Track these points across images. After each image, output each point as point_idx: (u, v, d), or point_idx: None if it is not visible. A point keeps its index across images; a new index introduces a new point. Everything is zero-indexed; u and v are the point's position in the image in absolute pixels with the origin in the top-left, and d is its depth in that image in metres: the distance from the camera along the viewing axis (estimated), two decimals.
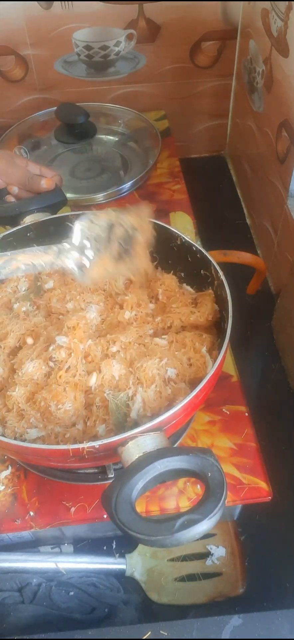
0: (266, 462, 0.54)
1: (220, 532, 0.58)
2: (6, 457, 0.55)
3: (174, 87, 0.98)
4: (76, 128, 0.87)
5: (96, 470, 0.53)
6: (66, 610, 0.51)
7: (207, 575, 0.55)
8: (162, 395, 0.47)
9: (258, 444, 0.55)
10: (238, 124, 0.99)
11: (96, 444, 0.40)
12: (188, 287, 0.59)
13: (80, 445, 0.40)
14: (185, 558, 0.56)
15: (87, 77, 0.96)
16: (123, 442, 0.40)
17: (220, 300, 0.55)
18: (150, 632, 0.42)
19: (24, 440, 0.46)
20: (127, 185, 0.82)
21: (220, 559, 0.56)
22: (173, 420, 0.43)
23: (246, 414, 0.58)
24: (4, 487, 0.53)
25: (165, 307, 0.56)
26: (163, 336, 0.53)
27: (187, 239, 0.58)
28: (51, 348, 0.50)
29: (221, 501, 0.35)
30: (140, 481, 0.37)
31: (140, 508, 0.51)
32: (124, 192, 0.82)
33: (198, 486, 0.52)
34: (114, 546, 0.58)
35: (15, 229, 0.60)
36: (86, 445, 0.40)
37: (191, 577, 0.55)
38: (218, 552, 0.56)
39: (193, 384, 0.49)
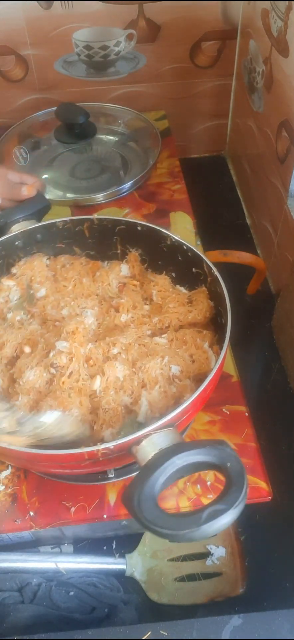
0: (266, 462, 0.54)
1: (220, 532, 0.57)
2: None
3: (174, 87, 0.98)
4: (76, 128, 0.87)
5: (90, 472, 0.53)
6: (66, 610, 0.51)
7: (207, 575, 0.55)
8: (168, 394, 0.48)
9: (258, 444, 0.55)
10: (238, 124, 0.99)
11: (111, 444, 0.40)
12: (181, 288, 0.59)
13: (95, 448, 0.40)
14: (185, 558, 0.56)
15: (87, 77, 0.96)
16: (138, 441, 0.40)
17: (214, 296, 0.55)
18: (150, 632, 0.42)
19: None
20: (127, 185, 0.82)
21: (220, 559, 0.56)
22: (184, 415, 0.43)
23: (246, 414, 0.58)
24: (4, 487, 0.53)
25: (161, 307, 0.57)
26: (162, 335, 0.54)
27: (177, 238, 0.58)
28: (52, 354, 0.50)
29: (244, 490, 0.35)
30: (160, 477, 0.37)
31: None
32: (124, 192, 0.82)
33: (198, 486, 0.52)
34: (114, 546, 0.58)
35: (3, 238, 0.60)
36: (101, 447, 0.40)
37: (191, 577, 0.55)
38: (218, 552, 0.56)
39: (197, 380, 0.50)
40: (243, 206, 0.98)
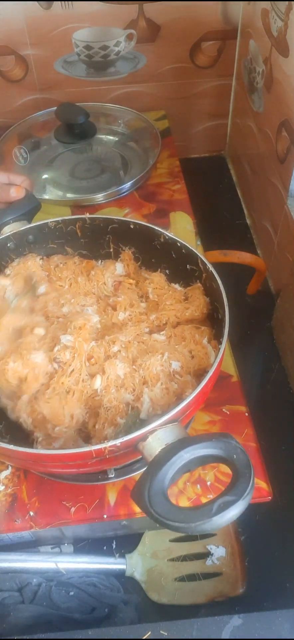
0: (266, 462, 0.54)
1: (220, 532, 0.58)
2: None
3: (174, 87, 0.98)
4: (76, 128, 0.87)
5: (94, 471, 0.53)
6: (66, 610, 0.51)
7: (207, 575, 0.55)
8: (169, 391, 0.48)
9: (258, 444, 0.55)
10: (238, 124, 0.99)
11: (118, 441, 0.40)
12: (176, 286, 0.59)
13: (102, 445, 0.40)
14: (185, 558, 0.56)
15: (87, 77, 0.96)
16: (143, 437, 0.40)
17: (210, 291, 0.55)
18: (150, 632, 0.42)
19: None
20: (127, 185, 0.82)
21: (220, 559, 0.56)
22: (188, 410, 0.44)
23: (246, 414, 0.58)
24: (4, 487, 0.53)
25: (157, 305, 0.57)
26: (160, 332, 0.54)
27: (170, 235, 0.58)
28: (56, 349, 0.50)
29: (251, 481, 0.36)
30: (169, 471, 0.37)
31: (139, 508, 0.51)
32: (124, 192, 0.82)
33: (198, 486, 0.52)
34: (114, 546, 0.58)
35: None
36: (108, 444, 0.40)
37: (191, 577, 0.55)
38: (218, 552, 0.56)
39: (197, 375, 0.50)
40: (243, 206, 0.98)
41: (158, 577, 0.55)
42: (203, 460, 0.39)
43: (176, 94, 0.99)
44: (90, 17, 0.88)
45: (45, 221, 0.61)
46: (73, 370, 0.49)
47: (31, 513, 0.51)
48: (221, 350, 0.47)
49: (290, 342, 0.69)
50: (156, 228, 0.59)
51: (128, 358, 0.50)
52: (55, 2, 0.85)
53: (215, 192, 1.01)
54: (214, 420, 0.57)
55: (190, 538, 0.57)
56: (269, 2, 0.72)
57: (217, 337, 0.53)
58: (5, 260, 0.61)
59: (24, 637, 0.45)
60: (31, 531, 0.51)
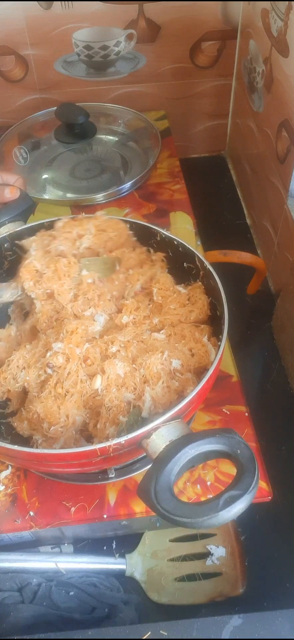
0: (266, 462, 0.54)
1: (220, 532, 0.58)
2: None
3: (174, 87, 0.98)
4: (76, 128, 0.87)
5: (97, 470, 0.53)
6: (66, 610, 0.51)
7: (207, 575, 0.55)
8: (171, 389, 0.48)
9: (258, 444, 0.55)
10: (238, 124, 0.99)
11: (122, 439, 0.40)
12: (181, 288, 0.59)
13: (107, 444, 0.40)
14: (185, 558, 0.56)
15: (87, 77, 0.96)
16: (147, 435, 0.40)
17: (208, 289, 0.55)
18: (150, 632, 0.42)
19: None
20: (127, 185, 0.82)
21: (220, 559, 0.56)
22: (190, 407, 0.44)
23: (246, 414, 0.58)
24: (4, 487, 0.53)
25: (161, 307, 0.56)
26: (160, 331, 0.54)
27: (167, 233, 0.58)
28: (48, 354, 0.50)
29: (256, 475, 0.36)
30: (174, 467, 0.37)
31: (139, 508, 0.51)
32: (124, 192, 0.82)
33: (198, 486, 0.52)
34: (114, 546, 0.58)
35: None
36: (112, 442, 0.40)
37: (191, 577, 0.55)
38: (218, 552, 0.56)
39: (197, 373, 0.50)
40: (243, 206, 0.98)
41: (158, 577, 0.55)
42: (207, 456, 0.39)
43: (176, 94, 0.99)
44: (90, 17, 0.88)
45: (41, 221, 0.61)
46: (69, 372, 0.49)
47: (31, 513, 0.51)
48: (222, 346, 0.47)
49: (290, 342, 0.69)
50: (153, 226, 0.59)
51: (127, 357, 0.50)
52: (55, 2, 0.85)
53: (215, 192, 1.01)
54: (214, 420, 0.57)
55: (190, 538, 0.57)
56: (269, 2, 0.72)
57: (216, 334, 0.53)
58: (2, 261, 0.61)
59: (24, 637, 0.45)
60: (31, 531, 0.51)
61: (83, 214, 0.62)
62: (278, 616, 0.43)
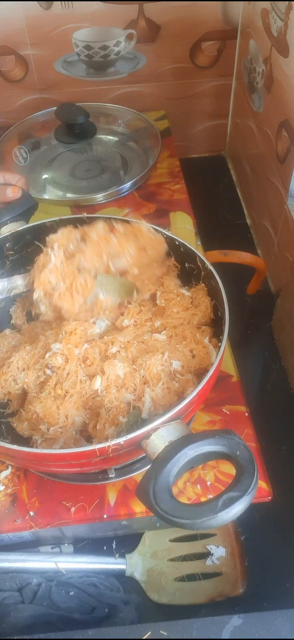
0: (266, 462, 0.54)
1: (220, 532, 0.58)
2: None
3: (174, 87, 0.98)
4: (76, 128, 0.87)
5: (97, 470, 0.53)
6: (66, 610, 0.51)
7: (207, 575, 0.55)
8: (171, 390, 0.48)
9: (258, 444, 0.55)
10: (238, 124, 0.99)
11: (121, 440, 0.40)
12: (184, 291, 0.58)
13: (106, 444, 0.40)
14: (185, 558, 0.56)
15: (87, 77, 0.96)
16: (147, 435, 0.40)
17: (209, 289, 0.55)
18: (150, 632, 0.42)
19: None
20: (127, 185, 0.82)
21: (220, 559, 0.56)
22: (190, 408, 0.44)
23: (246, 414, 0.58)
24: (4, 487, 0.53)
25: (164, 310, 0.56)
26: (161, 332, 0.54)
27: (168, 234, 0.58)
28: (47, 355, 0.50)
29: (255, 476, 0.36)
30: (173, 468, 0.37)
31: (139, 508, 0.51)
32: (124, 192, 0.82)
33: (198, 486, 0.52)
34: (114, 546, 0.58)
35: None
36: (112, 443, 0.40)
37: (191, 577, 0.55)
38: (218, 552, 0.56)
39: (198, 374, 0.50)
40: (243, 206, 0.98)
41: (158, 577, 0.55)
42: (207, 457, 0.39)
43: (176, 94, 0.99)
44: (90, 17, 0.88)
45: (43, 221, 0.61)
46: (68, 373, 0.49)
47: (31, 513, 0.51)
48: (222, 348, 0.47)
49: (290, 342, 0.69)
50: (154, 227, 0.59)
51: (127, 358, 0.50)
52: (55, 2, 0.85)
53: (215, 192, 1.01)
54: (214, 420, 0.57)
55: (190, 538, 0.57)
56: (269, 2, 0.72)
57: (217, 335, 0.53)
58: (4, 261, 0.61)
59: (24, 637, 0.45)
60: (31, 531, 0.51)
61: (85, 213, 0.62)
62: (278, 616, 0.43)
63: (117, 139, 0.94)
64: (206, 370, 0.46)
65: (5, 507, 0.52)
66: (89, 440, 0.49)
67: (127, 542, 0.58)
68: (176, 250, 0.58)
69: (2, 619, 0.49)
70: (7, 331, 0.61)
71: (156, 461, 0.39)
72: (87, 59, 0.94)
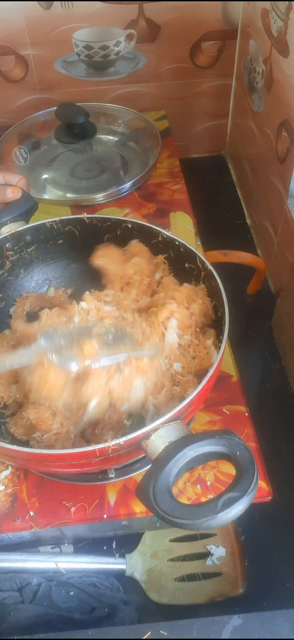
0: (266, 462, 0.54)
1: (220, 532, 0.58)
2: None
3: (174, 87, 0.98)
4: (76, 128, 0.87)
5: (97, 470, 0.53)
6: (66, 610, 0.51)
7: (207, 575, 0.55)
8: (174, 397, 0.48)
9: (258, 444, 0.55)
10: (238, 124, 0.99)
11: (121, 440, 0.40)
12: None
13: (106, 444, 0.40)
14: (185, 558, 0.56)
15: (87, 77, 0.96)
16: (147, 435, 0.40)
17: (209, 290, 0.55)
18: (150, 632, 0.42)
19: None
20: (127, 185, 0.82)
21: (220, 559, 0.56)
22: (190, 408, 0.44)
23: (246, 414, 0.58)
24: (4, 487, 0.53)
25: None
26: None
27: (168, 234, 0.58)
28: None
29: (255, 477, 0.36)
30: (173, 468, 0.37)
31: (139, 508, 0.51)
32: (124, 192, 0.82)
33: (198, 486, 0.52)
34: (114, 546, 0.58)
35: None
36: (112, 443, 0.40)
37: (191, 577, 0.55)
38: (218, 552, 0.56)
39: (198, 375, 0.50)
40: (243, 206, 0.98)
41: (158, 577, 0.55)
42: (207, 457, 0.39)
43: (176, 94, 0.99)
44: (90, 17, 0.88)
45: (43, 221, 0.61)
46: None
47: (31, 513, 0.51)
48: (222, 348, 0.47)
49: (290, 342, 0.69)
50: (154, 227, 0.59)
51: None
52: (55, 2, 0.85)
53: (215, 192, 1.01)
54: (214, 420, 0.57)
55: (190, 538, 0.57)
56: (269, 2, 0.72)
57: (217, 335, 0.53)
58: (4, 261, 0.61)
59: (24, 637, 0.45)
60: (31, 531, 0.51)
61: (85, 214, 0.62)
62: (278, 616, 0.43)
63: (117, 139, 0.94)
64: (206, 371, 0.46)
65: (5, 507, 0.52)
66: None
67: (127, 542, 0.58)
68: (176, 251, 0.58)
69: (2, 619, 0.49)
70: (7, 332, 0.61)
71: (156, 461, 0.39)
72: (87, 59, 0.94)
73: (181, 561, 0.56)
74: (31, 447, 0.49)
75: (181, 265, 0.58)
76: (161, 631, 0.42)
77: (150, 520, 0.55)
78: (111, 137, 0.94)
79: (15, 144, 0.90)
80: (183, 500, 0.52)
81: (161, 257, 0.59)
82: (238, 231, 0.93)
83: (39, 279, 0.66)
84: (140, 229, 0.60)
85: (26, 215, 0.62)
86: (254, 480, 0.36)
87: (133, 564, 0.56)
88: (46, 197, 0.83)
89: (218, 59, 0.95)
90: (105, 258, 0.59)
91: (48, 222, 0.61)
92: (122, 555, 0.57)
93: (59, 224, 0.62)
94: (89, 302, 0.56)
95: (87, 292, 0.58)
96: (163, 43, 0.92)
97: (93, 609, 0.52)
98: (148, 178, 0.85)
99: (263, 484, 0.52)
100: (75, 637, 0.43)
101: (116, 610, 0.52)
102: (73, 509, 0.51)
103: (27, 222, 0.62)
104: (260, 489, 0.52)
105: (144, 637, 0.42)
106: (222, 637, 0.42)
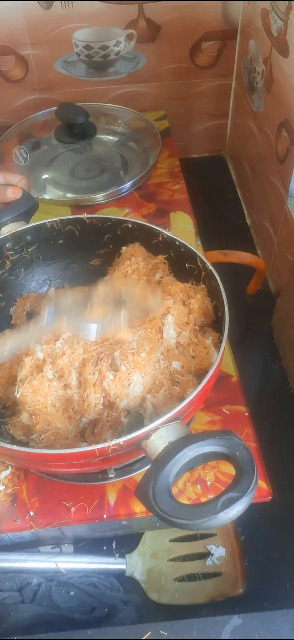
0: (266, 462, 0.54)
1: (220, 532, 0.58)
2: None
3: (174, 87, 0.98)
4: (76, 128, 0.87)
5: (97, 470, 0.53)
6: (66, 610, 0.51)
7: (207, 575, 0.55)
8: (173, 396, 0.48)
9: (258, 444, 0.55)
10: (238, 124, 0.99)
11: (121, 440, 0.40)
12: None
13: (105, 444, 0.40)
14: (185, 558, 0.56)
15: (87, 77, 0.96)
16: (146, 435, 0.40)
17: (209, 290, 0.55)
18: (150, 632, 0.42)
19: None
20: (127, 185, 0.82)
21: (220, 559, 0.56)
22: (189, 408, 0.44)
23: (246, 414, 0.58)
24: (4, 487, 0.53)
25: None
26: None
27: (169, 234, 0.58)
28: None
29: (254, 477, 0.36)
30: (173, 469, 0.37)
31: (139, 508, 0.51)
32: (124, 192, 0.82)
33: (198, 486, 0.52)
34: (114, 546, 0.58)
35: None
36: (111, 443, 0.40)
37: (191, 577, 0.55)
38: (218, 552, 0.56)
39: (197, 375, 0.50)
40: (243, 206, 0.98)
41: (158, 577, 0.55)
42: (206, 458, 0.39)
43: (176, 94, 0.99)
44: (90, 17, 0.88)
45: (43, 221, 0.61)
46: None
47: (31, 513, 0.51)
48: (222, 348, 0.47)
49: (290, 342, 0.69)
50: (155, 227, 0.59)
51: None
52: (55, 2, 0.85)
53: (215, 192, 1.01)
54: (214, 420, 0.57)
55: (190, 538, 0.57)
56: (269, 2, 0.72)
57: (217, 335, 0.53)
58: (4, 261, 0.61)
59: (24, 637, 0.45)
60: (31, 531, 0.51)
61: (85, 214, 0.62)
62: (278, 616, 0.43)
63: (117, 139, 0.94)
64: (206, 371, 0.46)
65: (5, 507, 0.52)
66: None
67: (127, 542, 0.58)
68: (176, 251, 0.58)
69: (2, 619, 0.49)
70: (7, 331, 0.61)
71: (156, 461, 0.39)
72: (87, 59, 0.94)
73: (181, 561, 0.56)
74: (30, 448, 0.49)
75: (182, 265, 0.58)
76: (161, 631, 0.42)
77: (150, 520, 0.55)
78: (111, 137, 0.94)
79: (15, 144, 0.90)
80: (183, 500, 0.52)
81: (161, 257, 0.59)
82: (238, 231, 0.93)
83: (39, 279, 0.66)
84: (140, 229, 0.60)
85: (26, 215, 0.62)
86: (254, 480, 0.36)
87: (133, 564, 0.56)
88: (46, 197, 0.83)
89: (218, 59, 0.95)
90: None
91: (48, 222, 0.61)
92: (122, 555, 0.57)
93: (60, 224, 0.62)
94: None
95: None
96: (163, 43, 0.92)
97: (93, 609, 0.52)
98: (148, 178, 0.85)
99: (263, 484, 0.52)
100: (75, 637, 0.43)
101: (116, 610, 0.52)
102: (73, 509, 0.51)
103: (27, 222, 0.62)
104: (260, 489, 0.52)
105: (144, 637, 0.42)
106: (222, 637, 0.42)
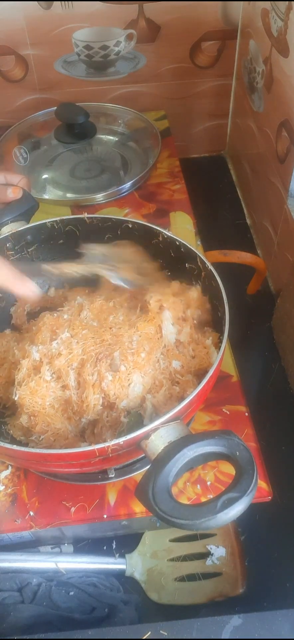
0: (266, 462, 0.54)
1: (220, 532, 0.58)
2: None
3: (174, 87, 0.98)
4: (76, 128, 0.87)
5: (97, 470, 0.53)
6: (66, 610, 0.51)
7: (207, 575, 0.55)
8: (173, 396, 0.48)
9: (258, 444, 0.55)
10: (238, 124, 0.99)
11: (120, 440, 0.40)
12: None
13: (105, 444, 0.40)
14: (185, 558, 0.56)
15: (87, 77, 0.96)
16: (146, 435, 0.40)
17: (210, 290, 0.55)
18: (150, 632, 0.42)
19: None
20: (127, 185, 0.82)
21: (220, 559, 0.56)
22: (189, 408, 0.44)
23: (246, 414, 0.58)
24: (4, 487, 0.53)
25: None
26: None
27: (169, 234, 0.58)
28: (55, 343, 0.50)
29: (254, 477, 0.36)
30: (172, 469, 0.37)
31: (139, 508, 0.51)
32: (124, 192, 0.82)
33: (198, 486, 0.52)
34: (114, 546, 0.58)
35: None
36: (111, 443, 0.40)
37: (191, 577, 0.55)
38: (218, 552, 0.56)
39: (197, 375, 0.50)
40: (243, 206, 0.98)
41: (158, 577, 0.55)
42: (206, 458, 0.39)
43: (176, 94, 0.99)
44: (90, 17, 0.88)
45: (44, 221, 0.61)
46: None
47: (31, 513, 0.51)
48: (222, 348, 0.47)
49: (290, 342, 0.69)
50: (155, 227, 0.59)
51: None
52: (55, 2, 0.85)
53: (215, 192, 1.01)
54: (214, 420, 0.57)
55: (190, 538, 0.57)
56: (269, 2, 0.72)
57: (217, 335, 0.53)
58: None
59: (24, 637, 0.45)
60: (31, 531, 0.51)
61: (85, 214, 0.62)
62: (278, 616, 0.43)
63: (117, 139, 0.94)
64: (206, 371, 0.46)
65: (5, 507, 0.52)
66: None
67: (127, 542, 0.58)
68: (176, 251, 0.58)
69: (2, 619, 0.49)
70: (8, 331, 0.61)
71: (156, 461, 0.39)
72: (87, 59, 0.94)
73: (181, 561, 0.56)
74: (33, 443, 0.49)
75: (182, 265, 0.58)
76: (161, 631, 0.42)
77: (150, 520, 0.55)
78: (111, 137, 0.94)
79: (15, 144, 0.90)
80: (183, 500, 0.52)
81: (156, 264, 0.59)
82: (238, 231, 0.93)
83: (40, 279, 0.66)
84: (140, 229, 0.60)
85: (27, 215, 0.62)
86: (254, 480, 0.36)
87: (133, 564, 0.56)
88: (46, 197, 0.83)
89: (218, 59, 0.95)
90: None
91: (49, 222, 0.61)
92: (122, 555, 0.57)
93: (60, 223, 0.62)
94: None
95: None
96: (163, 43, 0.92)
97: (93, 609, 0.52)
98: (148, 178, 0.85)
99: (263, 484, 0.52)
100: (75, 637, 0.43)
101: (116, 610, 0.52)
102: (73, 509, 0.51)
103: (27, 222, 0.62)
104: (260, 489, 0.52)
105: (144, 637, 0.42)
106: (222, 637, 0.42)
